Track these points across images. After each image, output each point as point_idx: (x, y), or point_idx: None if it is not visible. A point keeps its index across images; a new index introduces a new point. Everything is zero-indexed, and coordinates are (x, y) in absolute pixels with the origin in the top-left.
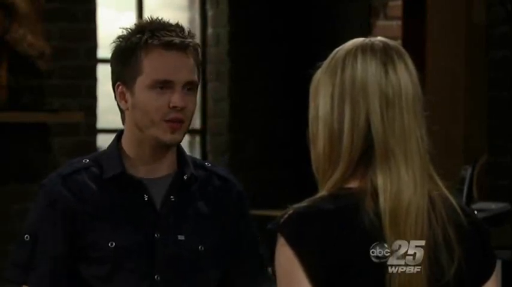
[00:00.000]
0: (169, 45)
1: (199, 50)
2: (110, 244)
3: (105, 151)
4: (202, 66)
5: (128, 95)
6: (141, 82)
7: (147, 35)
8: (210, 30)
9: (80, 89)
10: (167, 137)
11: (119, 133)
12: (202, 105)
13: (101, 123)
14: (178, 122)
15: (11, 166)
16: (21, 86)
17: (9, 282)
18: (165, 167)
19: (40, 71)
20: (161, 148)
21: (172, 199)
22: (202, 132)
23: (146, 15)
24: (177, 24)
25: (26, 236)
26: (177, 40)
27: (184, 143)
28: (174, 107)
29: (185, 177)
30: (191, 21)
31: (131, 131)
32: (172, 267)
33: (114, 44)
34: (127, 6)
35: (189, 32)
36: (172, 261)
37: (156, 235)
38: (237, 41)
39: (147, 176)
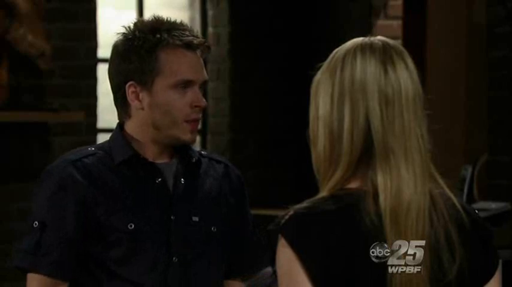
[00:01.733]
0: (189, 46)
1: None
2: (129, 226)
3: (109, 140)
4: None
5: (143, 95)
6: (162, 82)
7: (166, 35)
8: (210, 30)
9: (81, 89)
10: (187, 137)
11: (121, 123)
12: None
13: (101, 122)
14: (197, 122)
15: (11, 165)
16: (21, 86)
17: (19, 270)
18: (169, 153)
19: (40, 71)
20: (175, 144)
21: (183, 182)
22: (202, 131)
23: (147, 14)
24: (182, 23)
25: (34, 222)
26: (195, 40)
27: None
28: (197, 106)
29: (194, 160)
30: (191, 20)
31: (142, 129)
32: (187, 248)
33: (121, 42)
34: (127, 6)
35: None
36: (187, 242)
37: (172, 217)
38: (238, 41)
39: (155, 161)
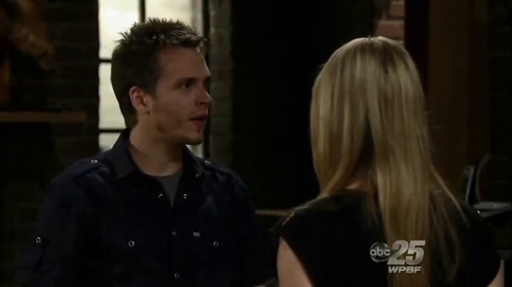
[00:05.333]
0: (187, 43)
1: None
2: (129, 243)
3: (112, 151)
4: None
5: (147, 99)
6: (164, 83)
7: (163, 36)
8: (212, 30)
9: (83, 89)
10: (194, 135)
11: (124, 132)
12: None
13: (103, 123)
14: (202, 119)
15: (12, 166)
16: (23, 86)
17: (20, 285)
18: (173, 166)
19: (42, 71)
20: (179, 147)
21: (185, 197)
22: (204, 132)
23: (148, 15)
24: (180, 22)
25: (37, 238)
26: (193, 37)
27: None
28: (202, 103)
29: (197, 175)
30: (193, 21)
31: (148, 133)
32: (189, 264)
33: (120, 48)
34: (129, 6)
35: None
36: (189, 258)
37: (173, 233)
38: (240, 41)
39: (157, 174)
